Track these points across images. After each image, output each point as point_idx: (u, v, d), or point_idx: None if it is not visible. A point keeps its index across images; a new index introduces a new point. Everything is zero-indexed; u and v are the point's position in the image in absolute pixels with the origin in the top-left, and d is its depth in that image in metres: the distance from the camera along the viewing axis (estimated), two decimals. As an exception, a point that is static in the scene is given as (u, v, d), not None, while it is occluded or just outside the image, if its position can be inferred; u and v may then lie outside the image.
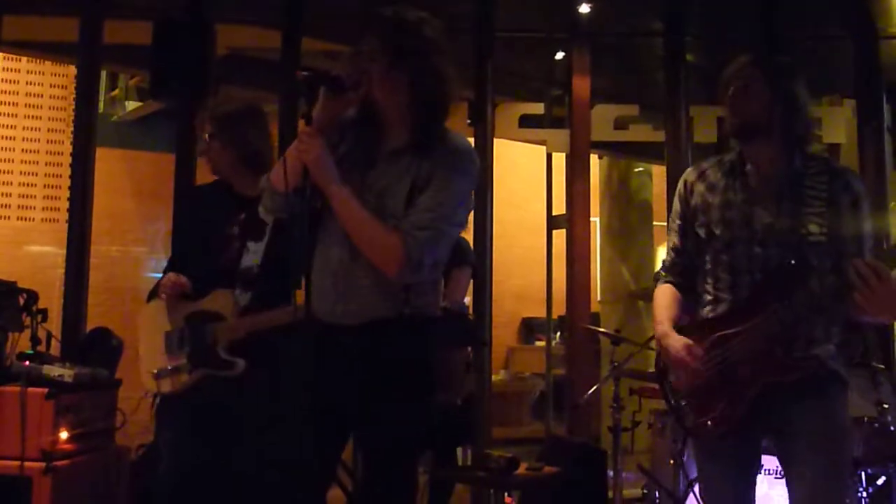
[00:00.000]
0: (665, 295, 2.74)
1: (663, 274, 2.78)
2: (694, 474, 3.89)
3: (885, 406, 4.03)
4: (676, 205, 2.74)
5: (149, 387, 3.21)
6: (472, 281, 5.24)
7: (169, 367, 3.15)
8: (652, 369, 5.15)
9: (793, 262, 2.44)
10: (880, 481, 3.92)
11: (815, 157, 2.60)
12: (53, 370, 3.97)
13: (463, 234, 4.34)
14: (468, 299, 5.36)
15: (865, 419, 3.97)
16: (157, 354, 3.21)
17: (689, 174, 2.73)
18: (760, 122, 2.52)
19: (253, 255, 3.16)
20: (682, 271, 2.74)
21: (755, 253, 2.52)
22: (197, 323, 3.15)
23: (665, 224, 6.18)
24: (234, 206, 3.21)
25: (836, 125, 6.25)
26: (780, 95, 2.52)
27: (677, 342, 2.58)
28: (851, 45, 6.02)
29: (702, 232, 2.63)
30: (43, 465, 3.76)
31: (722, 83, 2.59)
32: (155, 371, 3.17)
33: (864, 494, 3.79)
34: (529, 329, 9.86)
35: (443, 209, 2.30)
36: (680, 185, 2.73)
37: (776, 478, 3.72)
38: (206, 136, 3.24)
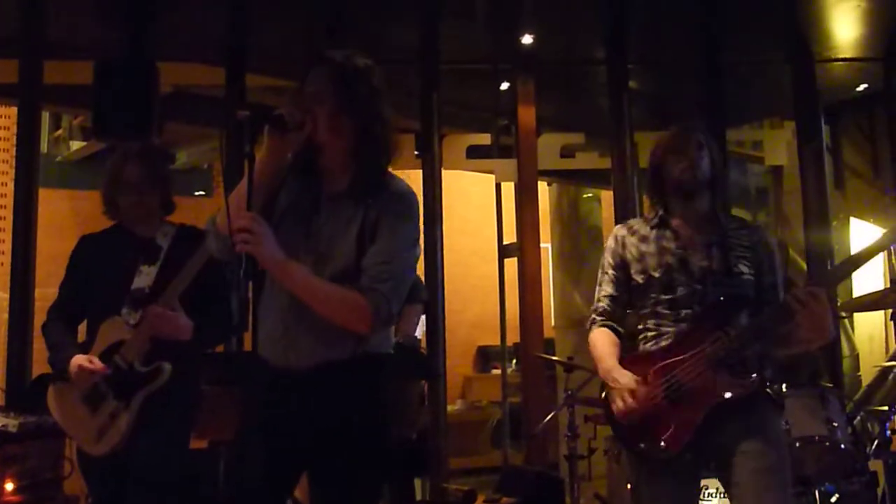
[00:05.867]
0: (606, 336, 2.95)
1: (599, 319, 2.98)
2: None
3: (835, 424, 4.08)
4: (609, 258, 2.99)
5: (99, 450, 3.04)
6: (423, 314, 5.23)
7: (106, 418, 3.02)
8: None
9: (722, 298, 2.77)
10: (834, 499, 3.96)
11: (734, 217, 3.06)
12: (-3, 420, 3.89)
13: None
14: (421, 330, 5.34)
15: (816, 437, 4.02)
16: (87, 421, 3.07)
17: (619, 230, 3.01)
18: (707, 182, 2.87)
19: (146, 276, 3.11)
20: (617, 318, 2.97)
21: (696, 290, 2.80)
22: (105, 363, 3.05)
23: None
24: (138, 253, 3.16)
25: (778, 147, 6.39)
26: (717, 161, 2.92)
27: (626, 376, 2.82)
28: (789, 69, 6.16)
29: (640, 278, 2.89)
30: (-13, 518, 3.68)
31: (675, 144, 2.88)
32: (95, 433, 3.04)
33: (818, 512, 3.83)
34: (486, 357, 9.81)
35: (398, 257, 2.32)
36: (610, 241, 3.01)
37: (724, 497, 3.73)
38: (133, 178, 3.16)
